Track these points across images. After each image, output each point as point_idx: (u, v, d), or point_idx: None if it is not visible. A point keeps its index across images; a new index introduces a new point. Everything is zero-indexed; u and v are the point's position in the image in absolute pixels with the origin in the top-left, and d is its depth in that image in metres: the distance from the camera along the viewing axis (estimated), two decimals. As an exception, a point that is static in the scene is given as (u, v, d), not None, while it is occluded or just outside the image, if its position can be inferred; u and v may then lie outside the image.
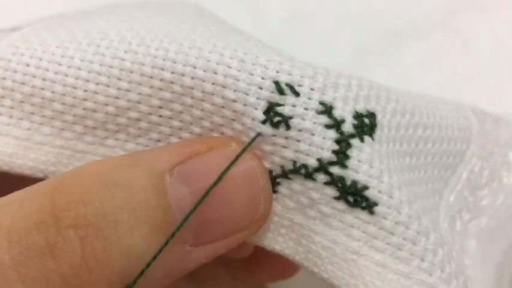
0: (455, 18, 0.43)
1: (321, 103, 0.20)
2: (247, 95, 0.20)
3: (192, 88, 0.20)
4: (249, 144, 0.20)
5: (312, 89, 0.20)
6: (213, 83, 0.20)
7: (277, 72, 0.20)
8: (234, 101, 0.20)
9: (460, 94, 0.40)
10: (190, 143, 0.20)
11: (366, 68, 0.42)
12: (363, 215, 0.20)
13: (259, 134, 0.20)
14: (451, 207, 0.24)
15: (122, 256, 0.17)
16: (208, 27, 0.22)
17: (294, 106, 0.20)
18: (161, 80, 0.21)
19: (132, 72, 0.21)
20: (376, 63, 0.42)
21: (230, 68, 0.20)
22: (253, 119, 0.20)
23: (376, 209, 0.19)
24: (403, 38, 0.43)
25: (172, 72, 0.20)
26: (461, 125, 0.25)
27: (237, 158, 0.19)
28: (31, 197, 0.18)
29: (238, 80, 0.20)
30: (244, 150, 0.20)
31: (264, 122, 0.20)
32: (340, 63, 0.43)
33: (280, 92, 0.20)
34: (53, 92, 0.22)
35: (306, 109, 0.20)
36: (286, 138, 0.20)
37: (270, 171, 0.20)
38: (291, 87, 0.20)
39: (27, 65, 0.22)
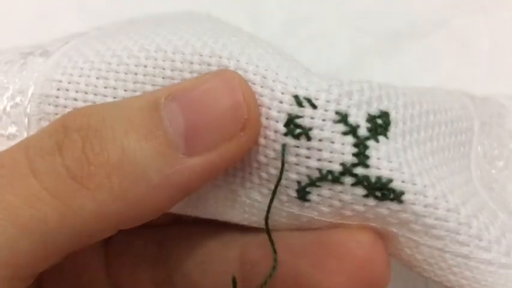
0: (455, 19, 0.43)
1: (337, 113, 0.21)
2: (270, 109, 0.21)
3: None
4: (283, 155, 0.21)
5: (327, 101, 0.21)
6: None
7: (295, 87, 0.21)
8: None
9: (458, 95, 0.40)
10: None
11: (365, 68, 0.42)
12: (393, 205, 0.21)
13: (284, 146, 0.21)
14: (482, 180, 0.26)
15: (116, 151, 0.20)
16: (228, 38, 0.23)
17: (312, 118, 0.21)
18: None
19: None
20: (375, 64, 0.43)
21: (254, 84, 0.22)
22: (275, 132, 0.21)
23: (404, 197, 0.21)
24: (402, 39, 0.43)
25: None
26: (461, 104, 0.26)
27: (279, 180, 0.22)
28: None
29: (262, 96, 0.21)
30: (283, 166, 0.22)
31: (285, 135, 0.21)
32: (339, 63, 0.43)
33: (299, 104, 0.21)
34: None
35: (323, 120, 0.21)
36: (308, 148, 0.21)
37: (299, 182, 0.22)
38: (309, 100, 0.21)
39: (75, 100, 0.23)
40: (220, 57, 0.22)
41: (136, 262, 0.28)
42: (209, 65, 0.22)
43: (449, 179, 0.23)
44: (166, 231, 0.28)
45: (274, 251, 0.22)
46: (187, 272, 0.26)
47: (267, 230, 0.22)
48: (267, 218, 0.22)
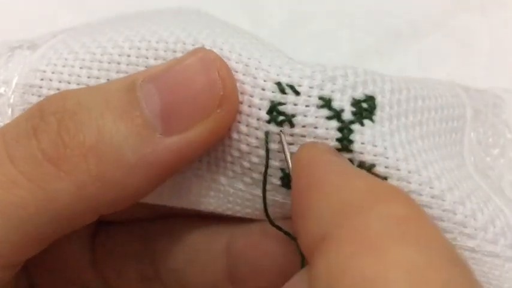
0: (454, 18, 0.43)
1: (320, 98, 0.21)
2: (252, 96, 0.21)
3: None
4: (267, 142, 0.21)
5: (311, 87, 0.21)
6: None
7: (277, 75, 0.21)
8: (240, 102, 0.21)
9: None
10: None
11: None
12: None
13: (267, 133, 0.21)
14: (476, 165, 0.25)
15: (92, 133, 0.19)
16: (212, 29, 0.23)
17: (295, 105, 0.21)
18: None
19: None
20: (375, 64, 0.43)
21: (237, 72, 0.21)
22: (258, 119, 0.21)
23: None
24: (402, 38, 0.43)
25: None
26: (452, 92, 0.26)
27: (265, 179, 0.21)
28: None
29: (244, 83, 0.21)
30: (267, 154, 0.21)
31: (269, 122, 0.21)
32: (339, 63, 0.43)
33: (282, 91, 0.21)
34: None
35: (307, 106, 0.21)
36: (291, 135, 0.21)
37: (282, 169, 0.22)
38: (292, 87, 0.21)
39: (58, 90, 0.23)
40: (203, 46, 0.22)
41: (123, 259, 0.28)
42: None
43: (440, 163, 0.22)
44: (151, 227, 0.28)
45: (293, 238, 0.22)
46: (173, 266, 0.26)
47: (270, 221, 0.22)
48: (266, 211, 0.22)
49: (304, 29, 0.44)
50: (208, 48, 0.22)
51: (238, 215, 0.24)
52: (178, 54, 0.22)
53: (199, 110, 0.20)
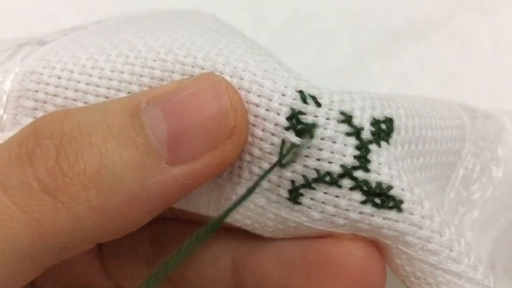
0: (455, 18, 0.43)
1: (342, 113, 0.20)
2: (271, 100, 0.20)
3: None
4: (281, 149, 0.20)
5: (332, 101, 0.21)
6: (238, 88, 0.21)
7: (297, 84, 0.21)
8: (257, 105, 0.20)
9: (458, 94, 0.40)
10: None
11: (366, 68, 0.42)
12: (392, 214, 0.20)
13: (283, 141, 0.20)
14: (451, 203, 0.25)
15: (94, 160, 0.18)
16: (231, 39, 0.23)
17: (316, 116, 0.20)
18: None
19: (162, 80, 0.21)
20: (375, 63, 0.43)
21: (255, 75, 0.21)
22: (276, 124, 0.20)
23: (403, 205, 0.20)
24: (402, 38, 0.43)
25: None
26: (457, 124, 0.26)
27: (255, 185, 0.20)
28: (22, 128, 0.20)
29: (262, 87, 0.21)
30: (278, 161, 0.20)
31: (287, 129, 0.20)
32: (340, 63, 0.43)
33: (304, 100, 0.20)
34: (85, 102, 0.22)
35: (327, 119, 0.20)
36: (308, 147, 0.20)
37: (293, 182, 0.21)
38: (314, 98, 0.20)
39: (59, 78, 0.22)
40: (215, 62, 0.21)
41: (133, 261, 0.27)
42: (202, 68, 0.21)
43: (431, 197, 0.22)
44: (160, 230, 0.27)
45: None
46: (184, 273, 0.25)
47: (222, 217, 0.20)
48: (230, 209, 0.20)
49: (304, 29, 0.44)
50: (234, 60, 0.21)
51: (237, 224, 0.23)
52: (187, 68, 0.21)
53: (208, 141, 0.19)
